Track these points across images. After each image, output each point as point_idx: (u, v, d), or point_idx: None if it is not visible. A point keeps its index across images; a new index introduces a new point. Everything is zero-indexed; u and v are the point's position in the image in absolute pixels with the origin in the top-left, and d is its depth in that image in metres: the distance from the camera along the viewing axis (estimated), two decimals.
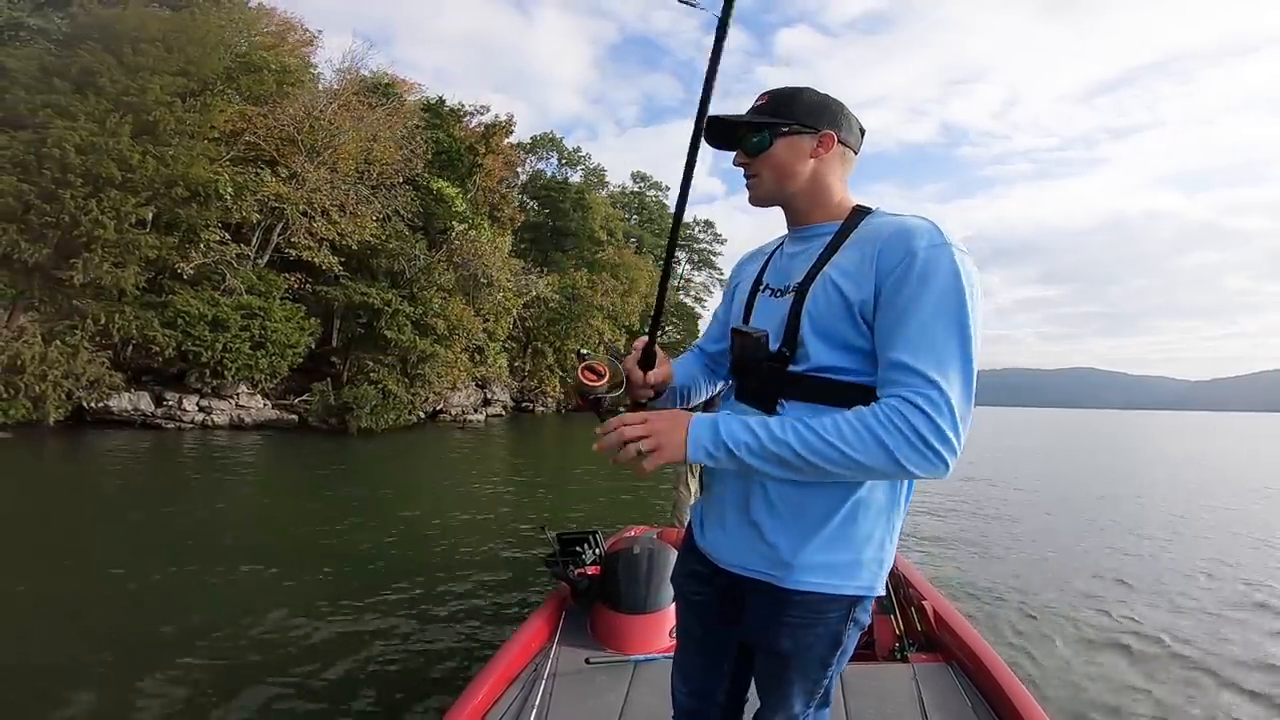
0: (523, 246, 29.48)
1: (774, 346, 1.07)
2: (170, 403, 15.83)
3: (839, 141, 1.10)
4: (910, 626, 2.65)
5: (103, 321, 13.83)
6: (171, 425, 15.54)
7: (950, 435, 0.87)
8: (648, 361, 1.22)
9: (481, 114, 27.85)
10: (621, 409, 1.20)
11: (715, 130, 1.12)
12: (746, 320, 1.17)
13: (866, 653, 2.63)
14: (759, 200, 1.14)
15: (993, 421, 58.08)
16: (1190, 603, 4.94)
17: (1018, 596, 4.87)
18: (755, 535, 1.06)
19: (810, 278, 1.05)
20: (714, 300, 47.46)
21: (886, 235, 0.99)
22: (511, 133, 28.99)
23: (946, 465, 0.88)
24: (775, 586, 1.04)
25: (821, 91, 1.11)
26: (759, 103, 1.12)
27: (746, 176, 1.14)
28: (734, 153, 1.15)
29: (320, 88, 21.01)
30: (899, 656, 2.51)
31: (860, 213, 1.09)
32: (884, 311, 0.95)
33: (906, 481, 1.06)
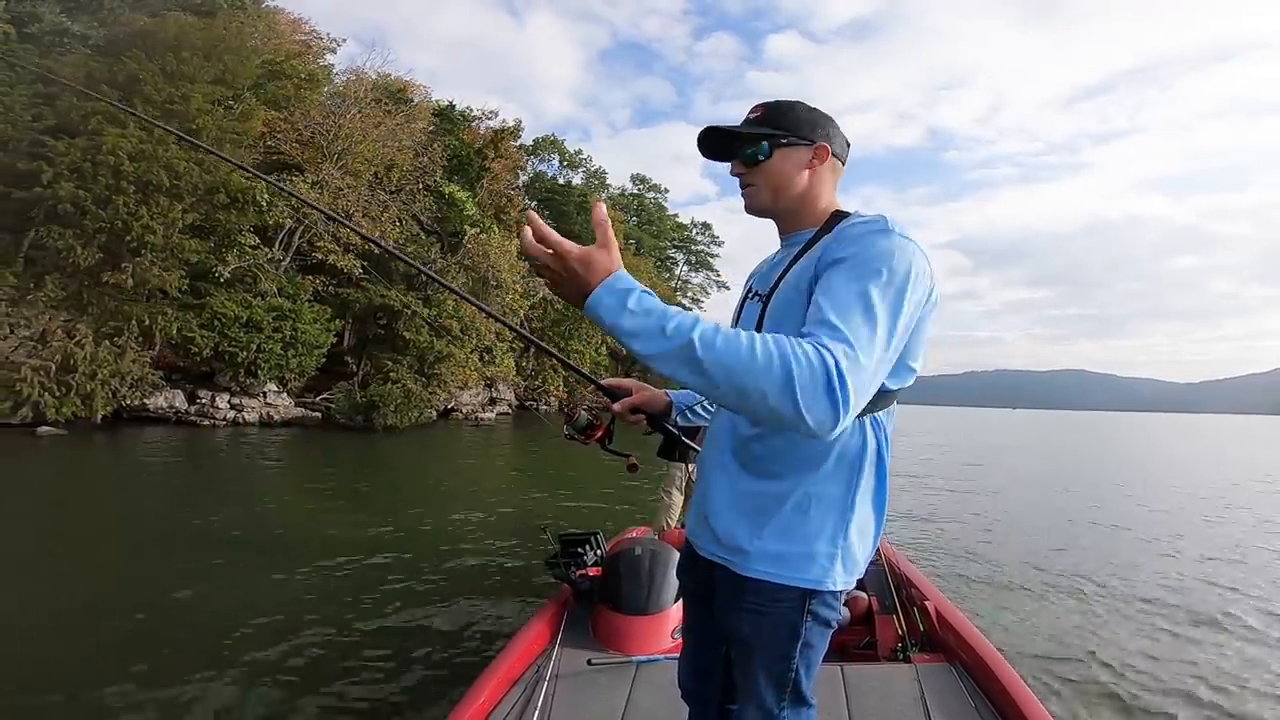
0: None
1: None
2: (203, 400, 16.34)
3: (832, 154, 1.14)
4: (913, 627, 2.68)
5: (147, 323, 14.32)
6: (205, 422, 16.03)
7: (851, 394, 0.83)
8: (615, 395, 1.41)
9: (490, 119, 28.50)
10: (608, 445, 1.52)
11: (711, 140, 1.16)
12: (734, 327, 1.22)
13: (869, 653, 2.66)
14: (754, 210, 1.17)
15: (990, 422, 59.22)
16: (1189, 594, 5.03)
17: (1014, 592, 4.91)
18: (721, 523, 1.12)
19: (779, 281, 1.11)
20: (711, 301, 48.77)
21: (839, 228, 1.04)
22: (520, 136, 29.65)
23: (835, 422, 0.82)
24: (734, 573, 1.09)
25: (813, 105, 1.16)
26: (753, 114, 1.15)
27: (743, 186, 1.16)
28: (727, 163, 1.19)
29: (327, 90, 21.45)
30: (901, 657, 2.53)
31: (838, 217, 1.11)
32: (817, 285, 0.98)
33: (870, 479, 1.07)
